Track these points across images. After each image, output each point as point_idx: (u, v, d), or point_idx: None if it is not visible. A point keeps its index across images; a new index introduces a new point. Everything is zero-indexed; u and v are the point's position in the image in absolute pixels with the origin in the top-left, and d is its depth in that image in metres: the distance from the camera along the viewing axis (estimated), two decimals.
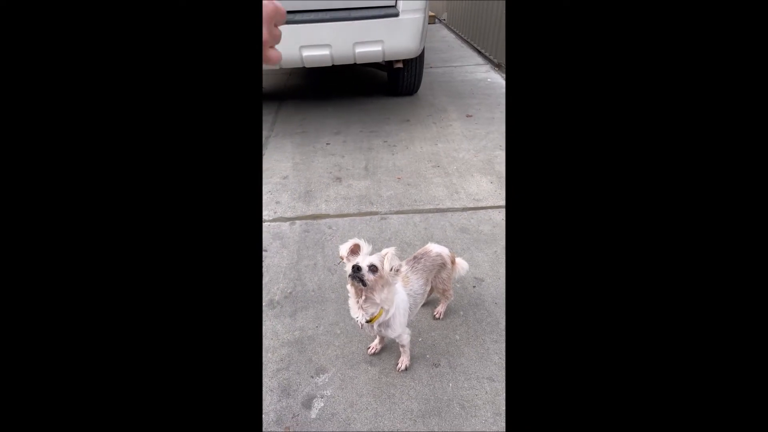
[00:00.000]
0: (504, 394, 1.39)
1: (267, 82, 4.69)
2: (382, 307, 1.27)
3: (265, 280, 1.91)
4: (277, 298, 1.81)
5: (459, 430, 1.30)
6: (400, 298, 1.34)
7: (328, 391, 1.43)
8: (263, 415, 1.36)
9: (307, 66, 3.04)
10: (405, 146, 3.13)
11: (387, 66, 3.86)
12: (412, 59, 3.51)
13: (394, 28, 2.94)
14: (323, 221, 2.30)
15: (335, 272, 1.94)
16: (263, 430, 1.32)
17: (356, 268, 1.17)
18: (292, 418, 1.36)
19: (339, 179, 2.71)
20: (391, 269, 1.19)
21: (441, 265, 1.53)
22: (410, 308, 1.41)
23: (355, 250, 1.25)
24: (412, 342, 1.53)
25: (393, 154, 3.01)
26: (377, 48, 2.97)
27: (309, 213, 2.38)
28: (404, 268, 1.43)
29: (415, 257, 1.51)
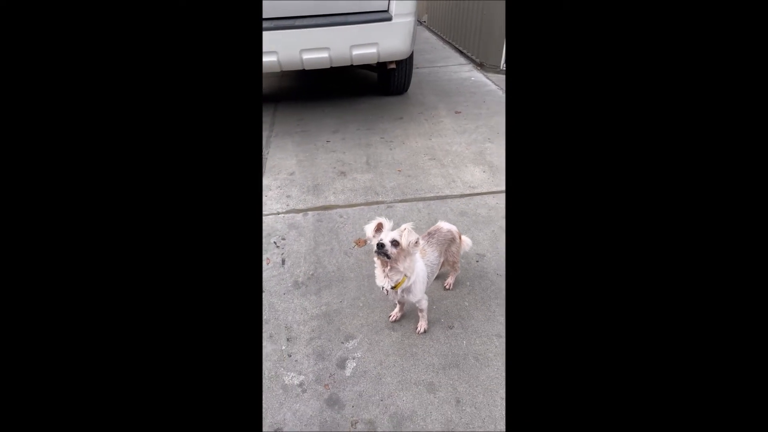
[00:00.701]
0: None
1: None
2: (405, 275, 1.47)
3: (288, 264, 2.08)
4: (301, 279, 1.99)
5: (475, 378, 1.51)
6: (419, 267, 1.55)
7: (358, 354, 1.62)
8: (303, 376, 1.54)
9: (307, 68, 3.21)
10: (401, 141, 3.33)
11: (380, 67, 4.06)
12: (402, 60, 3.72)
13: (388, 31, 3.14)
14: (334, 211, 2.48)
15: (351, 255, 2.13)
16: (305, 389, 1.51)
17: (380, 245, 1.37)
18: (329, 377, 1.55)
19: (343, 173, 2.90)
20: (409, 243, 1.39)
21: (451, 240, 1.74)
22: (428, 276, 1.61)
23: (379, 228, 1.45)
24: (428, 310, 1.74)
25: (391, 149, 3.22)
26: (373, 50, 3.17)
27: (319, 204, 2.55)
28: (422, 242, 1.64)
29: (429, 233, 1.72)
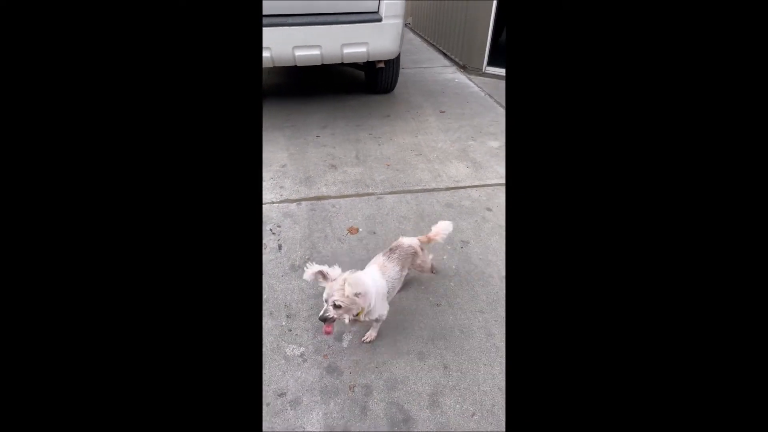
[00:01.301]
0: (492, 322, 1.79)
1: None
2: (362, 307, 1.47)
3: (284, 249, 2.20)
4: (297, 263, 2.11)
5: (461, 348, 1.68)
6: (378, 285, 1.55)
7: (354, 328, 1.76)
8: (303, 348, 1.67)
9: (299, 65, 3.32)
10: (389, 138, 3.49)
11: (369, 66, 4.20)
12: (390, 60, 3.88)
13: (378, 32, 3.29)
14: (327, 201, 2.61)
15: (345, 241, 2.26)
16: (306, 359, 1.63)
17: (323, 320, 1.40)
18: (328, 348, 1.68)
19: (334, 166, 3.03)
20: (350, 298, 1.35)
21: (414, 254, 1.78)
22: (389, 292, 1.64)
23: (322, 275, 1.41)
24: (418, 291, 1.89)
25: (379, 145, 3.36)
26: (363, 49, 3.31)
27: (312, 195, 2.67)
28: (381, 259, 1.68)
29: (390, 249, 1.75)
